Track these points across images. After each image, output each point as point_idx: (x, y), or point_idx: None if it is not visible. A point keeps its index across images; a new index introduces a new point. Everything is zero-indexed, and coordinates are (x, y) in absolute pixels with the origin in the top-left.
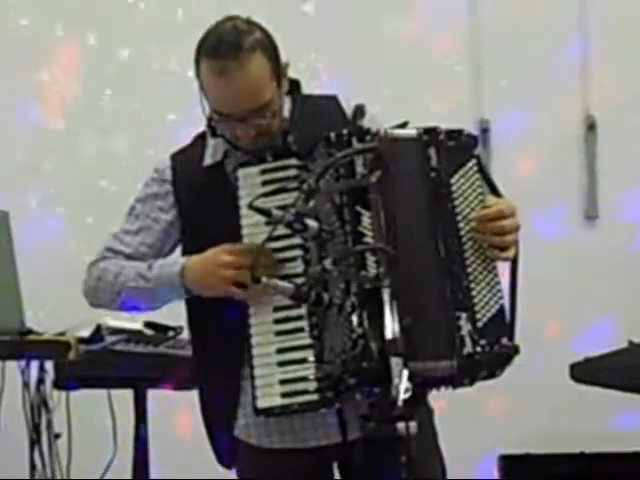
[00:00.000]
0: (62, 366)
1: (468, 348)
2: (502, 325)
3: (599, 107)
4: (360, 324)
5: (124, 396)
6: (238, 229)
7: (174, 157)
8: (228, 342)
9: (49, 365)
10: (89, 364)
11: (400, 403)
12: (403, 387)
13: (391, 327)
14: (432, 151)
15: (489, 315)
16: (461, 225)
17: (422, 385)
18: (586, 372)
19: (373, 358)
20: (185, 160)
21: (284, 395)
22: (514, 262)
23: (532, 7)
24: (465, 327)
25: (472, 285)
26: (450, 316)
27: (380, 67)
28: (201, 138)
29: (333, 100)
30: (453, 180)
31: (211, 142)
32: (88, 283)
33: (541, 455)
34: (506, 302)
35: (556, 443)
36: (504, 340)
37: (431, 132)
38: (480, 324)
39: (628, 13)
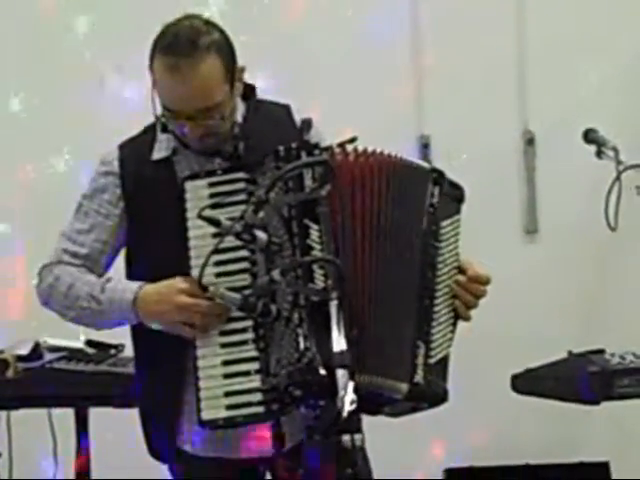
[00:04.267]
0: (1, 385)
1: (418, 377)
2: (444, 370)
3: (537, 121)
4: (307, 337)
5: (67, 414)
6: (183, 230)
7: (122, 148)
8: (172, 351)
9: None
10: (28, 383)
11: (345, 415)
12: (348, 399)
13: (338, 340)
14: (436, 190)
15: (439, 356)
16: (440, 266)
17: (362, 400)
18: (527, 383)
19: (319, 370)
20: (133, 152)
21: (229, 407)
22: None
23: (469, 22)
24: (420, 358)
25: (434, 323)
26: (413, 343)
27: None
28: (151, 131)
29: (285, 109)
30: (443, 224)
31: (161, 137)
32: (41, 287)
33: (486, 467)
34: None
35: (499, 455)
36: (443, 384)
37: (438, 173)
38: (431, 360)
39: (565, 27)
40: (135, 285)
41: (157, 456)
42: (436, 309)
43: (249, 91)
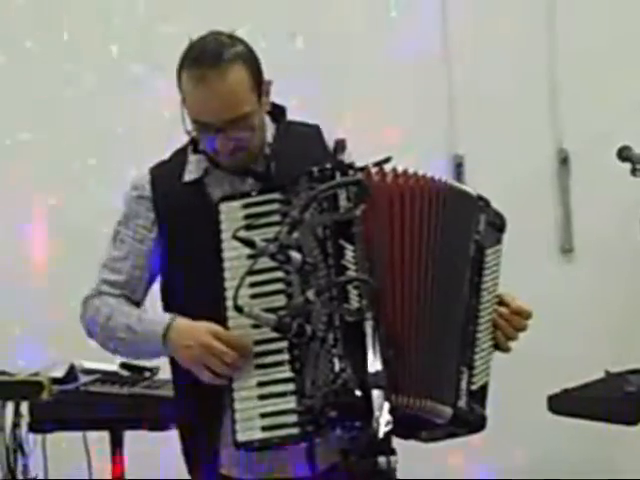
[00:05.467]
0: (37, 408)
1: (462, 403)
2: (484, 397)
3: (571, 140)
4: (341, 357)
5: (102, 437)
6: (215, 251)
7: (152, 172)
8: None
9: (24, 408)
10: (64, 405)
11: (381, 436)
12: (384, 420)
13: (373, 360)
14: (482, 217)
15: (480, 383)
16: (484, 294)
17: (403, 422)
18: (564, 403)
19: (354, 392)
20: (164, 175)
21: (264, 429)
22: None
23: (501, 38)
24: (463, 383)
25: (477, 349)
26: (457, 368)
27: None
28: (182, 153)
29: (315, 129)
30: (488, 252)
31: (192, 158)
32: (84, 319)
33: None
34: None
35: (536, 476)
36: (483, 411)
37: (485, 201)
38: (473, 387)
39: (598, 42)
40: (167, 318)
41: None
42: (478, 336)
43: (279, 113)
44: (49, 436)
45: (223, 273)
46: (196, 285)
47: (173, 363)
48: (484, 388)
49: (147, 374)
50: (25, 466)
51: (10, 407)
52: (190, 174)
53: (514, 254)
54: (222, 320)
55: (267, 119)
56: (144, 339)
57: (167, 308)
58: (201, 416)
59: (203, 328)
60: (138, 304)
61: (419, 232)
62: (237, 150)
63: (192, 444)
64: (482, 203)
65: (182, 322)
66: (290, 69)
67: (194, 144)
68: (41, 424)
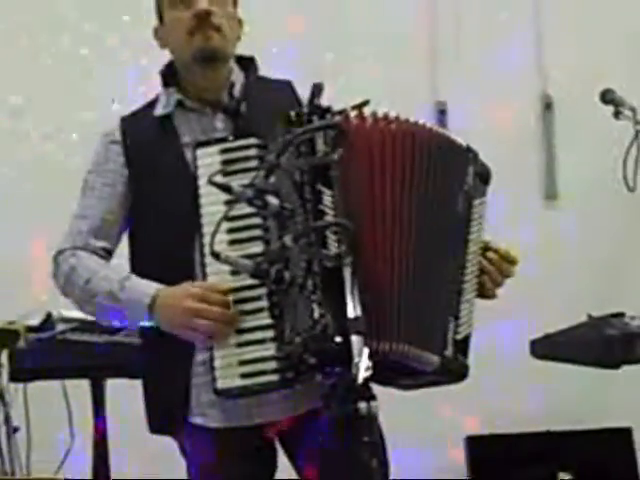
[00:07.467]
0: (16, 357)
1: (449, 352)
2: (467, 348)
3: (555, 86)
4: (321, 303)
5: (83, 386)
6: (186, 192)
7: (123, 119)
8: None
9: (4, 358)
10: (42, 354)
11: (361, 381)
12: (364, 366)
13: (352, 306)
14: (470, 169)
15: (465, 333)
16: (470, 245)
17: (388, 369)
18: (546, 348)
19: (334, 338)
20: (133, 118)
21: (244, 376)
22: None
23: None
24: (450, 332)
25: (462, 300)
26: (445, 317)
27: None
28: (153, 103)
29: (287, 85)
30: (475, 202)
31: (163, 95)
32: (57, 277)
33: (507, 435)
34: None
35: (520, 423)
36: (465, 360)
37: (474, 153)
38: (458, 337)
39: None
40: (152, 289)
41: (160, 430)
42: (465, 286)
43: (249, 62)
44: (30, 388)
45: (200, 219)
46: (166, 228)
47: None
48: (467, 339)
49: None
50: (7, 415)
51: None
52: (161, 109)
53: (498, 201)
54: (190, 265)
55: (235, 67)
56: (127, 307)
57: (134, 254)
58: (171, 362)
59: (182, 293)
60: (110, 253)
61: (401, 177)
62: (212, 25)
63: (160, 394)
64: (471, 155)
65: (164, 292)
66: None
67: (164, 77)
68: (21, 373)
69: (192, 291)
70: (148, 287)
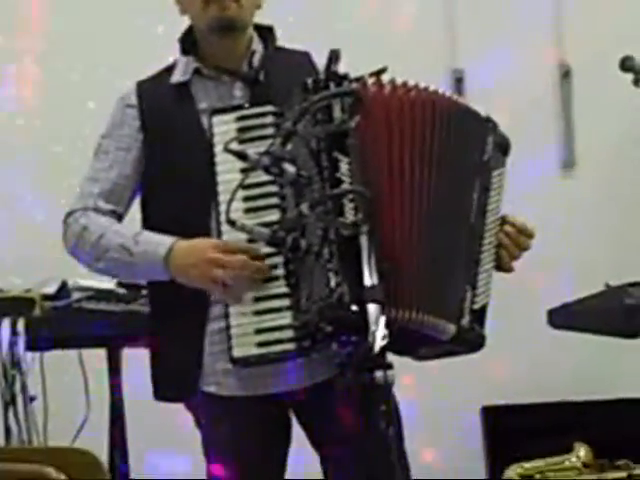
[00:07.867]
0: (32, 326)
1: (465, 321)
2: (483, 318)
3: (573, 54)
4: (337, 272)
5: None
6: (202, 159)
7: (140, 83)
8: (193, 295)
9: (21, 327)
10: (59, 323)
11: (377, 350)
12: (380, 334)
13: (369, 274)
14: (490, 139)
15: (482, 303)
16: (488, 215)
17: (405, 337)
18: (564, 317)
19: (350, 306)
20: (151, 82)
21: (260, 344)
22: None
23: None
24: (467, 302)
25: (480, 270)
26: (462, 286)
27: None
28: (171, 68)
29: (305, 55)
30: (494, 173)
31: (181, 62)
32: (67, 237)
33: (523, 405)
34: None
35: (536, 392)
36: (482, 330)
37: (493, 123)
38: (475, 307)
39: None
40: (169, 240)
41: (167, 397)
42: (482, 256)
43: (267, 32)
44: (47, 356)
45: (216, 187)
46: (181, 195)
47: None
48: (484, 309)
49: (144, 292)
50: (23, 384)
51: (7, 325)
52: (178, 76)
53: (516, 169)
54: (206, 233)
55: (255, 35)
56: (141, 261)
57: (146, 220)
58: (183, 328)
59: (206, 243)
60: (120, 217)
61: (420, 145)
62: None
63: (171, 360)
64: (491, 124)
65: (183, 243)
66: None
67: (182, 44)
68: (37, 342)
69: (214, 242)
70: (163, 239)
